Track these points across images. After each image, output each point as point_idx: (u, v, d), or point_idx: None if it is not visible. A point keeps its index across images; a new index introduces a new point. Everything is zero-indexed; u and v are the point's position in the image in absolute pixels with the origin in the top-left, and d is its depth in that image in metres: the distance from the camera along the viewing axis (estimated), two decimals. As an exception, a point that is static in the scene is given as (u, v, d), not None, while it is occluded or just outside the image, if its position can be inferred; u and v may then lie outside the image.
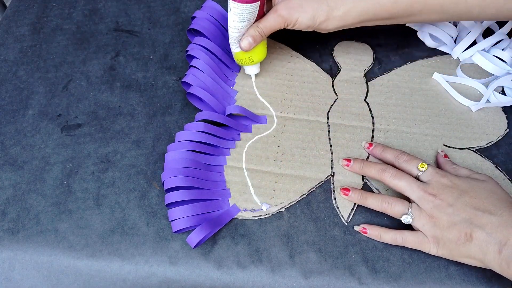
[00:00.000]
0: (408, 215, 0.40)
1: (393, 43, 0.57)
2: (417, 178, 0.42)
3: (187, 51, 0.52)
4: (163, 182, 0.44)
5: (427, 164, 0.42)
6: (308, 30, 0.47)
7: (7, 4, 0.66)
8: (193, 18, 0.54)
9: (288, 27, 0.46)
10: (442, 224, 0.38)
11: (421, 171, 0.41)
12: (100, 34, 0.59)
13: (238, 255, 0.41)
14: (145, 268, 0.41)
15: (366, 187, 0.45)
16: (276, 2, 0.46)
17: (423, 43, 0.56)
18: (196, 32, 0.54)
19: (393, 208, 0.41)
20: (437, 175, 0.41)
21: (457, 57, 0.54)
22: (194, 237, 0.41)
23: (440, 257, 0.40)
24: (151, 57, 0.56)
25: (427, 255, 0.41)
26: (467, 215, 0.38)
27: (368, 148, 0.47)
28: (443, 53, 0.55)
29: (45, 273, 0.42)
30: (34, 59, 0.56)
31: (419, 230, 0.40)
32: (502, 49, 0.52)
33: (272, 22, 0.45)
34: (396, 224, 0.43)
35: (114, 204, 0.45)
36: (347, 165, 0.46)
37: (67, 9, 0.61)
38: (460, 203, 0.38)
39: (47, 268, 0.42)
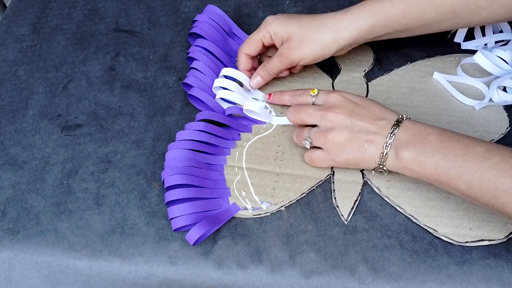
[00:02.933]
0: (306, 140, 0.43)
1: (393, 43, 0.56)
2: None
3: (188, 53, 0.52)
4: (163, 181, 0.44)
5: (317, 89, 0.44)
6: (320, 60, 0.48)
7: (7, 4, 0.66)
8: (194, 21, 0.54)
9: (299, 65, 0.48)
10: (343, 136, 0.41)
11: (314, 95, 0.44)
12: (100, 34, 0.59)
13: (238, 255, 0.41)
14: (145, 268, 0.41)
15: (366, 186, 0.45)
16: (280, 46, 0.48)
17: (423, 43, 0.56)
18: (197, 36, 0.54)
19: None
20: (329, 94, 0.43)
21: (461, 43, 0.55)
22: (193, 234, 0.41)
23: (440, 257, 0.40)
24: (151, 57, 0.56)
25: (427, 255, 0.41)
26: (364, 124, 0.40)
27: (268, 99, 0.50)
28: (443, 53, 0.55)
29: (45, 273, 0.42)
30: (34, 59, 0.56)
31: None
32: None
33: (278, 64, 0.48)
34: (396, 228, 0.43)
35: (114, 204, 0.45)
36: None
37: (67, 9, 0.61)
38: (356, 114, 0.41)
39: (47, 268, 0.42)
